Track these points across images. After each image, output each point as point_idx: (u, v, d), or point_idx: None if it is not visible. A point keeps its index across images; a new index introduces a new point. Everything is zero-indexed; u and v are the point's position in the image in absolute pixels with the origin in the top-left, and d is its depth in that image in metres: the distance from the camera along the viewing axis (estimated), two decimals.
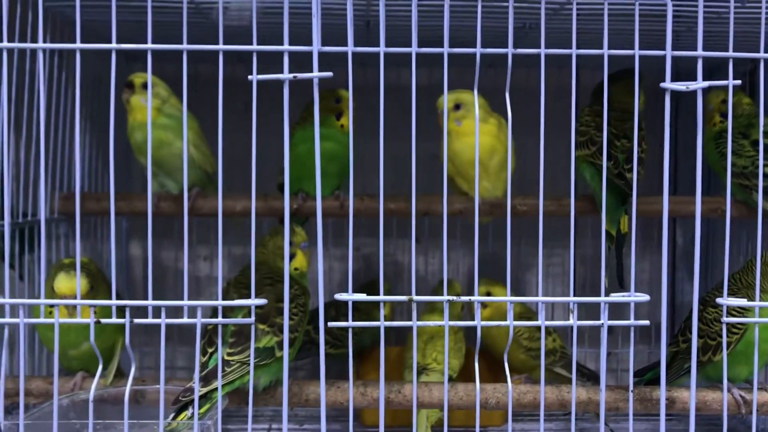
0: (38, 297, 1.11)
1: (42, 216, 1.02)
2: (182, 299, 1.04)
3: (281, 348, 1.21)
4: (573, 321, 1.02)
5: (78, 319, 1.06)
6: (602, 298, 1.02)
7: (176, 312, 1.05)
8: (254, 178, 1.03)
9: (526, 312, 1.69)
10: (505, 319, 1.59)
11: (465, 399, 1.26)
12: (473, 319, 1.58)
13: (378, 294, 1.03)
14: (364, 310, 1.63)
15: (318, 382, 1.05)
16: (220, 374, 1.07)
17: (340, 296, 1.02)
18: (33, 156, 1.35)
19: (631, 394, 1.06)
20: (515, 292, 1.87)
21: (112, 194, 1.02)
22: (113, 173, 1.02)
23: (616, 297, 1.02)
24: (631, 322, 1.02)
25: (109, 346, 1.30)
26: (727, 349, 1.28)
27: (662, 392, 1.03)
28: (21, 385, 1.01)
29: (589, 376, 1.73)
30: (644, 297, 1.01)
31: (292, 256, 1.38)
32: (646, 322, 1.02)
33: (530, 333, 1.66)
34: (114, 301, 1.01)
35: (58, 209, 1.50)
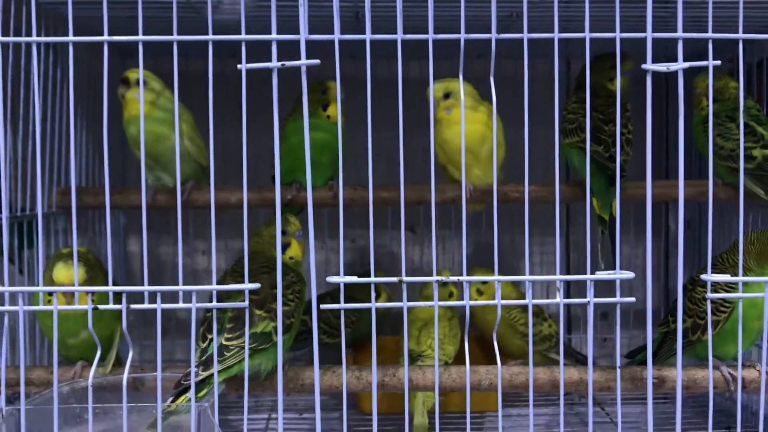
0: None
1: (39, 210, 1.05)
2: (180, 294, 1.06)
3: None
4: (560, 299, 1.04)
5: (76, 306, 1.08)
6: (588, 276, 1.04)
7: (173, 299, 1.07)
8: (245, 168, 1.05)
9: (522, 298, 1.70)
10: (503, 311, 1.62)
11: (458, 381, 1.28)
12: (471, 309, 1.61)
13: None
14: (360, 301, 1.65)
15: (314, 367, 1.07)
16: (216, 359, 1.09)
17: (332, 279, 1.04)
18: (31, 151, 1.37)
19: (618, 371, 1.08)
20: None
21: (106, 184, 1.04)
22: (107, 167, 1.04)
23: (602, 275, 1.04)
24: (617, 299, 1.04)
25: (107, 335, 1.32)
26: (716, 327, 1.30)
27: (649, 370, 1.06)
28: (21, 369, 1.03)
29: (583, 361, 1.75)
30: (629, 274, 1.03)
31: (287, 246, 1.40)
32: (632, 299, 1.04)
33: (526, 319, 1.68)
34: (111, 287, 1.03)
35: (56, 203, 1.52)
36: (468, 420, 1.08)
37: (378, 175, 1.25)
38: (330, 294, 1.65)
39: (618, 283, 1.04)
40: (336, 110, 1.52)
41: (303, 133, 1.03)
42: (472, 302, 1.04)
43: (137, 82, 1.43)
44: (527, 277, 1.04)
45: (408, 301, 1.07)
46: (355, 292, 1.32)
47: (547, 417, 1.77)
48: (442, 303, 1.05)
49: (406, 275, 1.07)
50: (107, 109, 1.05)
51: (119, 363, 1.36)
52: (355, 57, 1.73)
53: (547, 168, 1.36)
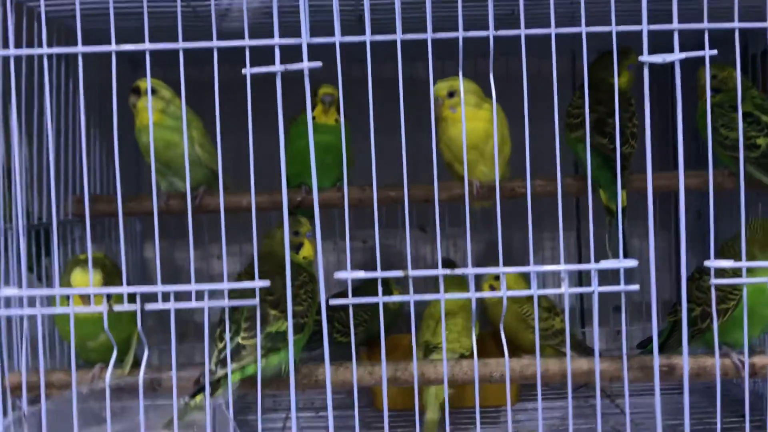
0: None
1: (54, 218, 1.08)
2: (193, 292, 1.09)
3: (293, 333, 1.26)
4: (564, 289, 1.06)
5: (92, 307, 1.11)
6: (592, 265, 1.05)
7: (187, 299, 1.10)
8: (252, 172, 1.09)
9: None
10: (515, 306, 1.63)
11: (470, 374, 1.29)
12: (484, 304, 1.63)
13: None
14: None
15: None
16: (229, 357, 1.11)
17: (339, 274, 1.07)
18: (45, 161, 1.40)
19: (624, 359, 1.10)
20: (522, 275, 1.90)
21: (118, 192, 1.07)
22: (119, 174, 1.07)
23: (606, 263, 1.05)
24: (621, 287, 1.05)
25: (125, 337, 1.34)
26: (725, 314, 1.31)
27: (656, 358, 1.07)
28: (41, 372, 1.06)
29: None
30: (633, 262, 1.04)
31: (300, 245, 1.42)
32: (636, 287, 1.06)
33: (538, 313, 1.69)
34: (125, 288, 1.06)
35: (72, 212, 1.55)
36: (477, 414, 1.10)
37: (388, 174, 1.27)
38: (343, 294, 1.67)
39: (622, 271, 1.05)
40: (321, 112, 1.55)
41: (306, 136, 1.06)
42: (478, 294, 1.06)
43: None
44: (532, 267, 1.06)
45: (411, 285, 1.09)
46: (369, 292, 1.34)
47: (563, 409, 1.78)
48: (448, 295, 1.07)
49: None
50: (120, 118, 1.08)
51: (137, 365, 1.39)
52: (363, 60, 1.76)
53: (553, 161, 1.37)
